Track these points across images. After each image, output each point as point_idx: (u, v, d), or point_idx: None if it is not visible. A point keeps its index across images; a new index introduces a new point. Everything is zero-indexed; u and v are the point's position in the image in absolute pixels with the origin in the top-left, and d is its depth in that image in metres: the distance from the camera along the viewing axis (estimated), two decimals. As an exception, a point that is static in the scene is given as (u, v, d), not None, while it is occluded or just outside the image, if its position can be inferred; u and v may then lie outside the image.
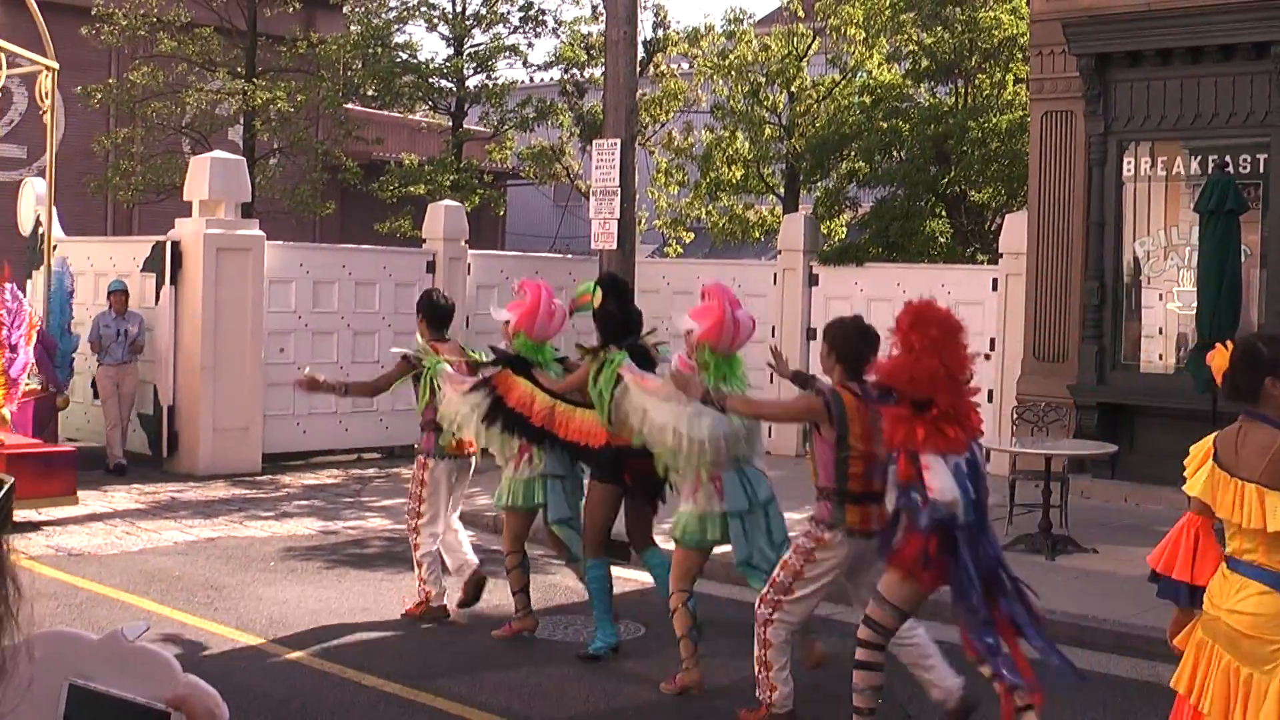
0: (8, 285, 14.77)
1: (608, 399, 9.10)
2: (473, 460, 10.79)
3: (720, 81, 24.99)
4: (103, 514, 14.55)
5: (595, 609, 9.80)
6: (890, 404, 7.51)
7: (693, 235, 27.31)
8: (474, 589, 10.76)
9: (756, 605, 8.12)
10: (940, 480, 7.10)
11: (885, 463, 7.73)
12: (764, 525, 8.73)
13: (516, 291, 10.29)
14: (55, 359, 16.29)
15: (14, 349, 14.47)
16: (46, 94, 17.47)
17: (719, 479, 8.69)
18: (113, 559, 12.45)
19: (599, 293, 9.70)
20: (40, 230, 19.40)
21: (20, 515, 14.03)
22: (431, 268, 19.73)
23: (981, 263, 20.20)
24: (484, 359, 10.29)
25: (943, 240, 21.57)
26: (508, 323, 10.11)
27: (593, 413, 9.39)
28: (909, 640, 7.96)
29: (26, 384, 15.12)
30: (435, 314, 10.86)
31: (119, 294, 17.38)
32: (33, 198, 19.60)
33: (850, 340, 8.09)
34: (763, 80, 24.01)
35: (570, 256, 23.09)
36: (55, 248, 17.97)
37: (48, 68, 17.45)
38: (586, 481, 9.94)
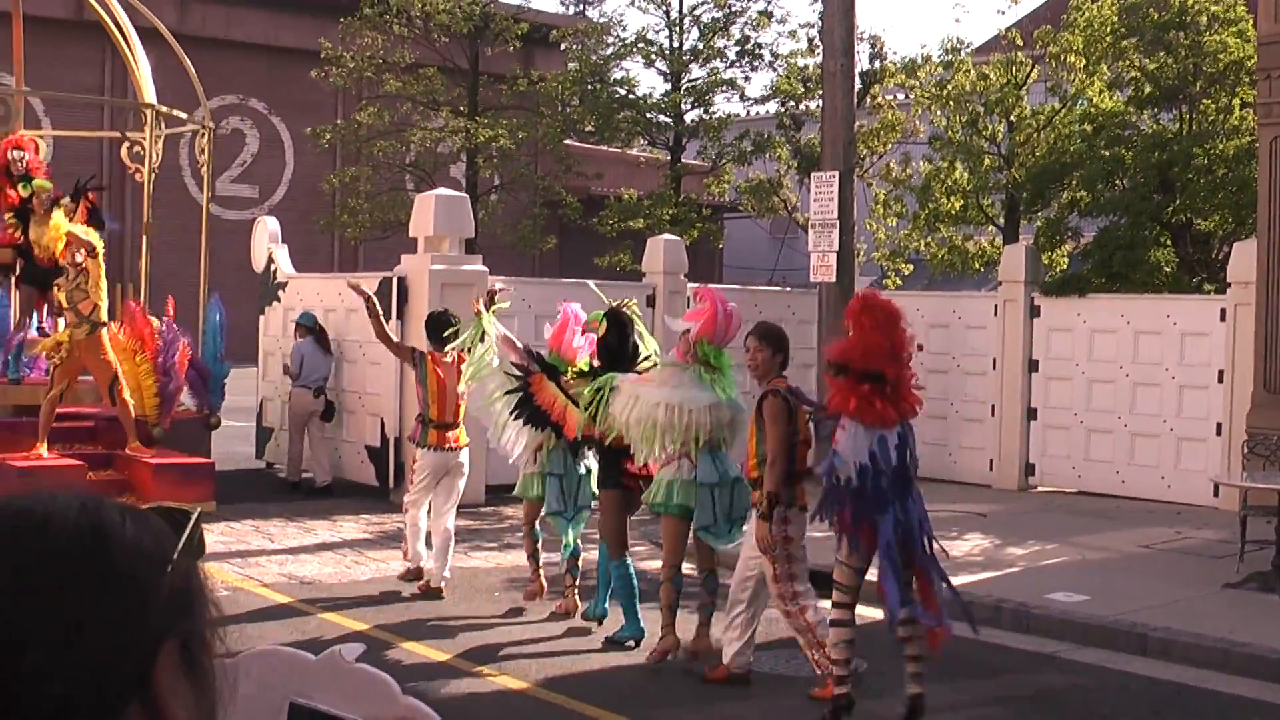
0: (164, 318, 16.64)
1: (592, 404, 10.27)
2: (459, 454, 12.42)
3: (938, 111, 24.84)
4: (332, 543, 14.92)
5: (622, 603, 10.82)
6: (805, 398, 9.31)
7: (911, 267, 27.13)
8: (412, 575, 12.67)
9: (778, 605, 9.25)
10: (848, 443, 8.31)
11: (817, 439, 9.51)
12: (728, 499, 9.85)
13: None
14: (209, 384, 17.55)
15: (168, 374, 16.40)
16: (203, 150, 19.17)
17: (691, 457, 9.80)
18: (342, 587, 12.76)
19: (604, 323, 10.89)
20: (273, 267, 20.05)
21: (254, 544, 14.50)
22: (651, 301, 19.82)
23: (1209, 292, 19.73)
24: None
25: (1168, 270, 21.12)
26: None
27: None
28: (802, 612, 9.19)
29: (181, 406, 17.02)
30: (433, 326, 12.58)
31: (297, 325, 18.41)
32: (265, 235, 20.27)
33: (785, 339, 9.47)
34: (981, 110, 23.82)
35: (789, 289, 23.05)
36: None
37: (203, 128, 18.69)
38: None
